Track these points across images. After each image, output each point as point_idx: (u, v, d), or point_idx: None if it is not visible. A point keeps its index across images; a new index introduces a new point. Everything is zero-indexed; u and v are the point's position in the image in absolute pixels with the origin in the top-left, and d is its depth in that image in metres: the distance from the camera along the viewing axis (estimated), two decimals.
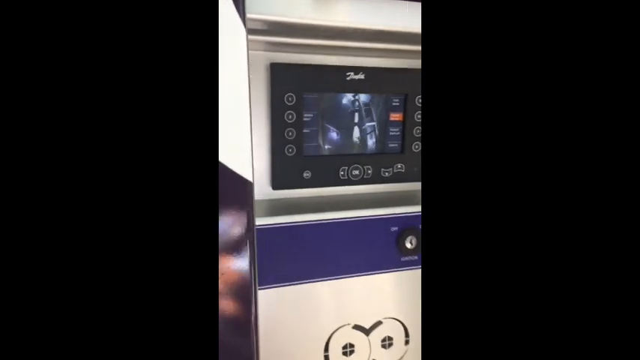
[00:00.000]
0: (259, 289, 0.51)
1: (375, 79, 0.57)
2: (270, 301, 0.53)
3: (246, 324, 0.41)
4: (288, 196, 0.59)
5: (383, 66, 0.57)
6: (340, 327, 0.57)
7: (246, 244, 0.40)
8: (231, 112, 0.38)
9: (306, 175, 0.57)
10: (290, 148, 0.55)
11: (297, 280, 0.54)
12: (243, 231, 0.40)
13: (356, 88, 0.56)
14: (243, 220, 0.40)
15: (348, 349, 0.58)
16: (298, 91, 0.53)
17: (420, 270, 0.60)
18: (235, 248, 0.40)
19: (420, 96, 0.59)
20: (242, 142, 0.39)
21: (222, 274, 0.40)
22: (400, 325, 0.60)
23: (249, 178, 0.39)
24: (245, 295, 0.41)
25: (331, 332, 0.57)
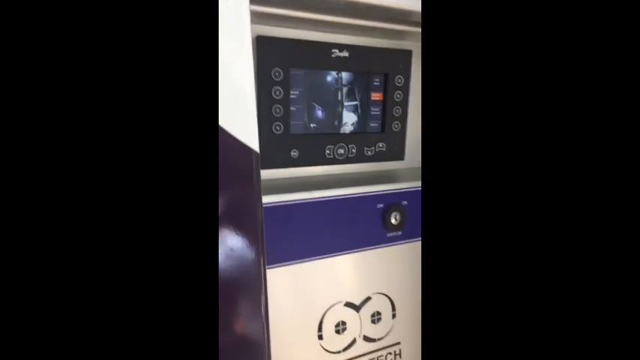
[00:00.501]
0: None
1: (358, 57, 0.57)
2: None
3: (256, 305, 0.39)
4: (273, 177, 0.58)
5: (365, 45, 0.58)
6: (332, 305, 0.57)
7: (255, 220, 0.38)
8: (236, 81, 0.36)
9: (294, 154, 0.56)
10: (277, 125, 0.54)
11: (288, 261, 0.53)
12: (251, 205, 0.38)
13: (340, 65, 0.56)
14: (251, 193, 0.38)
15: (341, 326, 0.58)
16: (285, 67, 0.52)
17: (404, 245, 0.62)
18: (242, 224, 0.38)
19: (399, 76, 0.61)
20: (247, 111, 0.37)
21: (232, 250, 0.37)
22: (387, 299, 0.62)
23: (255, 148, 0.37)
24: (254, 275, 0.39)
25: (324, 311, 0.56)
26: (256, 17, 0.49)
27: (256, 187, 0.39)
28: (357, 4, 0.48)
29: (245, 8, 0.37)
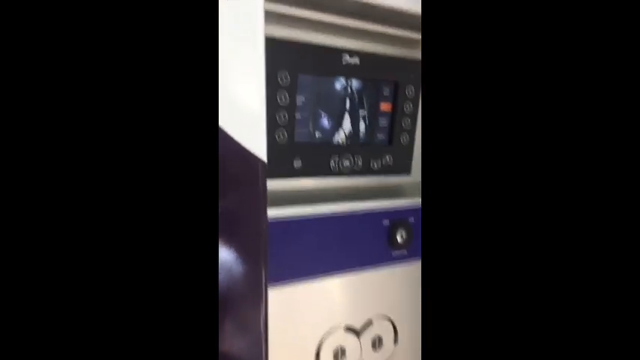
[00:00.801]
0: None
1: (369, 65, 0.54)
2: None
3: (255, 329, 0.35)
4: (273, 188, 0.54)
5: (376, 51, 0.55)
6: (331, 329, 0.53)
7: (259, 235, 0.34)
8: (245, 83, 0.32)
9: (297, 164, 0.52)
10: (281, 133, 0.50)
11: (283, 280, 0.49)
12: (255, 220, 0.34)
13: (351, 72, 0.53)
14: (256, 207, 0.34)
15: (339, 353, 0.54)
16: (293, 71, 0.49)
17: (409, 265, 0.58)
18: (244, 240, 0.34)
19: (410, 86, 0.58)
20: (256, 116, 0.33)
21: (231, 270, 0.33)
22: (389, 323, 0.58)
23: (262, 157, 0.33)
24: (254, 295, 0.35)
25: (322, 336, 0.52)
26: (265, 17, 0.45)
27: (262, 201, 0.35)
28: (370, 6, 0.45)
29: (259, 5, 0.34)
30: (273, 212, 0.47)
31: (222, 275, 0.33)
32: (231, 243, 0.34)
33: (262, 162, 0.33)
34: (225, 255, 0.34)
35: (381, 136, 0.59)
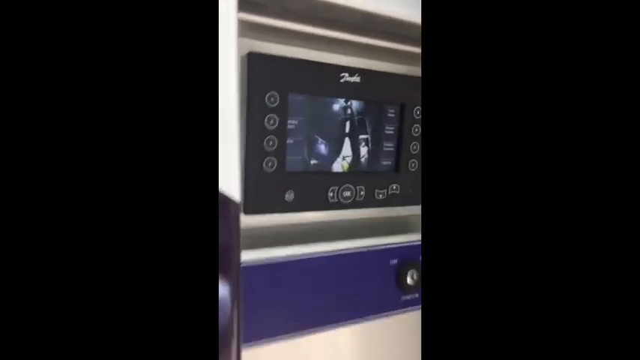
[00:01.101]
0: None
1: (371, 84, 0.48)
2: None
3: None
4: (261, 224, 0.47)
5: (379, 69, 0.49)
6: None
7: (229, 287, 0.27)
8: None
9: (289, 196, 0.45)
10: (270, 161, 0.43)
11: (274, 336, 0.42)
12: (226, 268, 0.27)
13: (350, 92, 0.47)
14: (227, 253, 0.27)
15: None
16: (283, 91, 0.43)
17: (420, 310, 0.50)
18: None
19: (418, 107, 0.51)
20: (228, 151, 0.27)
21: None
22: None
23: (235, 197, 0.27)
24: (225, 356, 0.28)
25: None
26: (248, 29, 0.40)
27: (234, 245, 0.28)
28: (371, 17, 0.39)
29: (231, 17, 0.28)
30: (260, 254, 0.40)
31: None
32: None
33: (234, 203, 0.27)
34: None
35: (386, 163, 0.52)
